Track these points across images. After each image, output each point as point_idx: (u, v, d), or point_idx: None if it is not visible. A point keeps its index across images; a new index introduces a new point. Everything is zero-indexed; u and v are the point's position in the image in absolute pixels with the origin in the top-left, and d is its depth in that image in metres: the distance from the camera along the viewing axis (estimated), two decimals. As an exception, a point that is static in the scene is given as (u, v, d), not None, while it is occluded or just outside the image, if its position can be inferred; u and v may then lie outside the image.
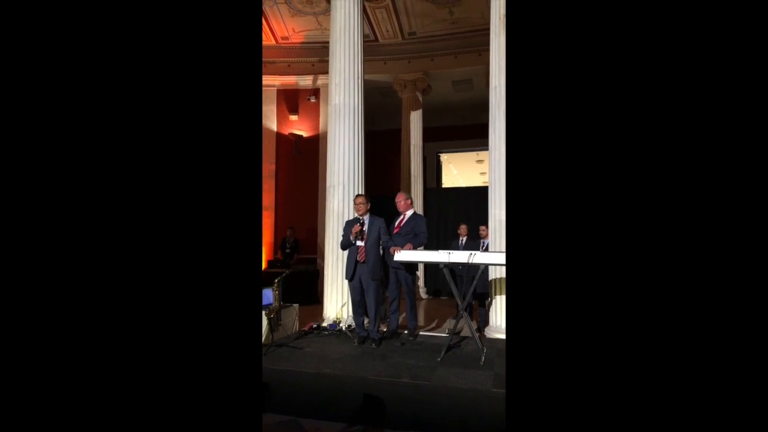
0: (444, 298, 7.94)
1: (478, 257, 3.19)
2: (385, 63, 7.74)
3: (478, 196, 7.78)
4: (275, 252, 7.89)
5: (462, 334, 3.94)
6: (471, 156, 10.97)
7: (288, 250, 7.56)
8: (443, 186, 10.36)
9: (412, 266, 4.06)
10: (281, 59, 7.85)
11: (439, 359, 3.16)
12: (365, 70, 4.94)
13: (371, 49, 7.00)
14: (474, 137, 8.98)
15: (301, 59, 7.87)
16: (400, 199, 4.14)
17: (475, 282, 3.30)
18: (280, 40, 7.72)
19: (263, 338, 3.62)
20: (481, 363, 3.07)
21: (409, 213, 4.13)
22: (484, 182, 11.42)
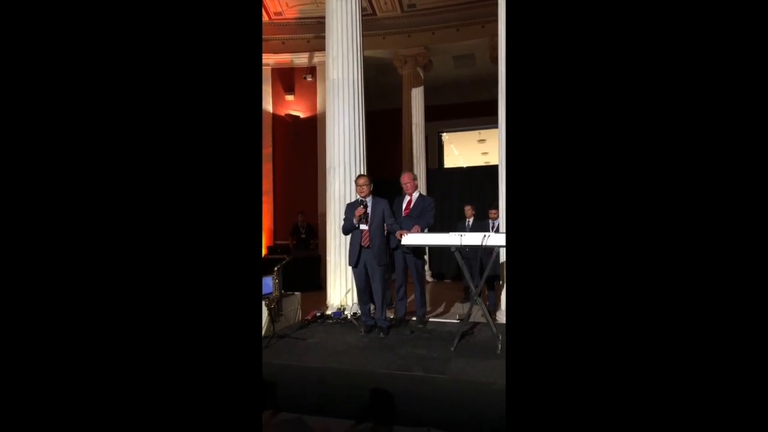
0: (448, 281, 7.77)
1: (492, 239, 2.98)
2: (383, 38, 7.38)
3: (482, 175, 7.56)
4: (275, 238, 7.66)
5: (472, 319, 3.75)
6: (473, 135, 10.66)
7: (303, 236, 7.13)
8: (445, 167, 10.09)
9: (420, 250, 3.84)
10: (275, 36, 7.48)
11: (452, 348, 2.97)
12: (363, 46, 4.63)
13: (369, 23, 6.65)
14: (476, 115, 8.69)
15: (295, 36, 7.50)
16: (408, 180, 3.88)
17: (489, 265, 3.10)
18: (273, 16, 7.34)
19: (264, 330, 3.43)
20: (498, 352, 2.88)
21: (415, 195, 3.89)
22: (486, 162, 11.17)
